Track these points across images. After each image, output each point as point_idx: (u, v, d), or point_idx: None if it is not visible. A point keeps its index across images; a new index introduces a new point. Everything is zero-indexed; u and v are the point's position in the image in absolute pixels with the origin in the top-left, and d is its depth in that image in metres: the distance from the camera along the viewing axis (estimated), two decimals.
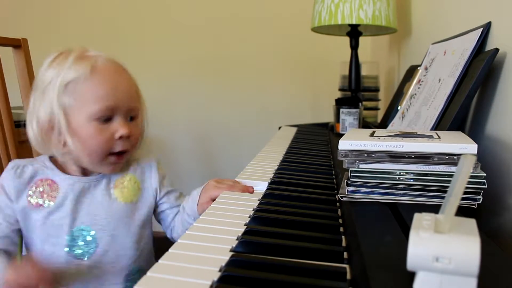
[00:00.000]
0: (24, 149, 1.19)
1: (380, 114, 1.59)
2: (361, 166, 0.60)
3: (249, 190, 0.76)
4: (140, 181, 0.84)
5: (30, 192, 0.75)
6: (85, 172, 0.79)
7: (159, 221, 0.88)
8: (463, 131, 0.81)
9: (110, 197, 0.79)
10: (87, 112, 0.72)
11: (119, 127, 0.74)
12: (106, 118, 0.73)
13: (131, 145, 0.77)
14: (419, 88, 1.00)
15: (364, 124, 1.37)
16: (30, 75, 1.20)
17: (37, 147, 0.76)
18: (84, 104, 0.72)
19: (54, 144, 0.74)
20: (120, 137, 0.74)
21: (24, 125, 0.77)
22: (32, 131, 0.74)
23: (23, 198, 0.75)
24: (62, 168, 0.79)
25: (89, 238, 0.76)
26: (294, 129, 1.55)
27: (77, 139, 0.73)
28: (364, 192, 0.60)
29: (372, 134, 0.65)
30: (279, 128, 1.65)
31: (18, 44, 1.16)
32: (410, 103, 1.01)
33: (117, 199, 0.80)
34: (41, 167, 0.78)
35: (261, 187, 0.77)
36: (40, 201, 0.75)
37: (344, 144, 0.60)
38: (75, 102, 0.72)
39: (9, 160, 1.10)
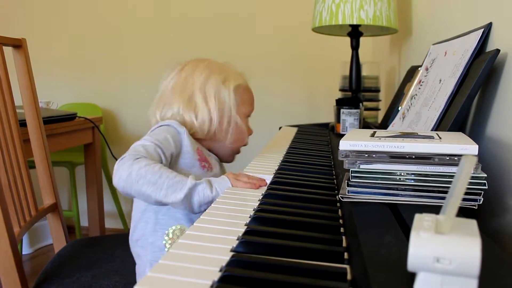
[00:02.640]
0: (27, 148, 1.19)
1: (380, 115, 1.59)
2: (361, 166, 0.60)
3: (262, 184, 0.78)
4: None
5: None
6: None
7: None
8: (464, 132, 0.81)
9: None
10: (245, 111, 0.97)
11: (249, 127, 1.00)
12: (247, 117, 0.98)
13: None
14: (419, 88, 1.00)
15: (364, 124, 1.37)
16: (30, 75, 1.19)
17: (201, 132, 0.92)
18: (244, 104, 0.96)
19: (220, 131, 0.93)
20: (249, 135, 1.00)
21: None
22: (210, 116, 0.91)
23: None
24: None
25: None
26: (295, 129, 1.55)
27: (237, 129, 0.94)
28: (364, 193, 0.60)
29: (372, 135, 0.65)
30: (280, 128, 1.65)
31: (18, 44, 1.16)
32: (411, 104, 1.01)
33: None
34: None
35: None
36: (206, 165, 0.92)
37: (344, 145, 0.60)
38: (239, 101, 0.95)
39: (17, 158, 1.10)
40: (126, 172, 0.75)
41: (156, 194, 0.75)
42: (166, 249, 0.85)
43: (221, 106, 0.92)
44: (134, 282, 0.96)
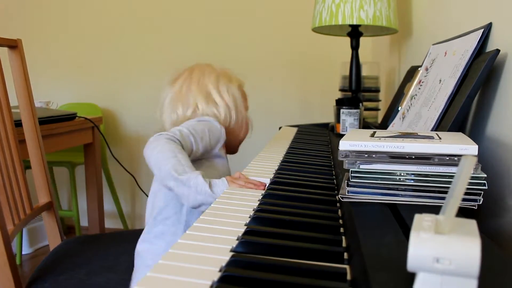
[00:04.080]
0: (23, 149, 1.19)
1: (380, 115, 1.59)
2: (361, 166, 0.60)
3: (260, 188, 0.78)
4: None
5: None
6: None
7: None
8: (464, 132, 0.81)
9: None
10: (246, 106, 1.09)
11: None
12: None
13: None
14: (419, 88, 1.00)
15: (364, 124, 1.37)
16: (25, 75, 1.19)
17: (226, 126, 1.01)
18: (245, 100, 1.09)
19: (232, 122, 1.04)
20: None
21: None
22: (227, 107, 1.03)
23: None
24: None
25: None
26: (295, 129, 1.55)
27: (244, 122, 1.07)
28: (364, 193, 0.60)
29: (372, 135, 0.65)
30: (279, 128, 1.65)
31: (14, 45, 1.16)
32: (411, 104, 1.01)
33: None
34: None
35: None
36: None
37: (344, 145, 0.60)
38: (242, 98, 1.07)
39: (12, 159, 1.10)
40: (159, 147, 0.82)
41: (170, 169, 0.79)
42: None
43: (234, 101, 1.04)
44: (128, 279, 0.98)
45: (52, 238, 1.28)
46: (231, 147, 1.10)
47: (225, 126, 1.01)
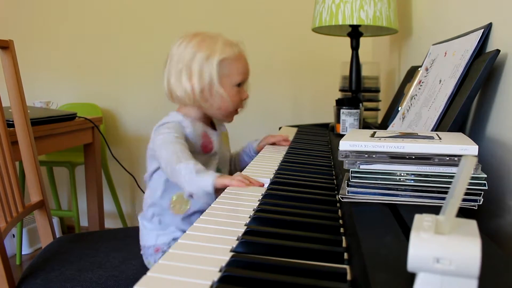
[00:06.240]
0: (15, 150, 1.19)
1: (380, 115, 1.59)
2: (361, 167, 0.60)
3: (256, 185, 0.79)
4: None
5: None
6: (206, 122, 1.11)
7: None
8: (464, 132, 0.81)
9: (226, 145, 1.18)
10: (231, 81, 1.05)
11: (244, 92, 1.09)
12: (239, 85, 1.06)
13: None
14: (419, 89, 1.00)
15: (364, 125, 1.37)
16: (17, 76, 1.20)
17: (189, 101, 1.04)
18: (230, 75, 1.05)
19: (204, 101, 1.04)
20: (245, 99, 1.10)
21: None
22: (193, 90, 1.03)
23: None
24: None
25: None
26: (295, 130, 1.55)
27: (220, 98, 1.04)
28: (364, 193, 0.60)
29: (372, 135, 0.65)
30: (280, 128, 1.65)
31: (5, 46, 1.16)
32: (411, 104, 1.01)
33: (226, 145, 1.18)
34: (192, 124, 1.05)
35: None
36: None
37: (344, 145, 0.60)
38: (226, 73, 1.04)
39: (4, 158, 1.10)
40: (168, 156, 0.91)
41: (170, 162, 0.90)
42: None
43: (202, 81, 1.03)
44: (117, 275, 0.99)
45: (44, 236, 1.30)
46: (216, 118, 1.13)
47: (191, 103, 1.05)
